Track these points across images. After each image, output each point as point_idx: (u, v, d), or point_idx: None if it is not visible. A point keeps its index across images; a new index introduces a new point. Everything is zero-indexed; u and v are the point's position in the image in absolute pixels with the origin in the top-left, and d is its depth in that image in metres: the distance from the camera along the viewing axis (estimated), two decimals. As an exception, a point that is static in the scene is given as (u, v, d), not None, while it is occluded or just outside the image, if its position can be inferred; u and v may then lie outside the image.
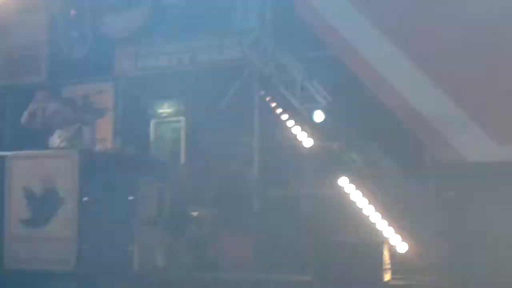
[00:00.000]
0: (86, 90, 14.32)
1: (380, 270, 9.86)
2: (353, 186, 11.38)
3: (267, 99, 12.71)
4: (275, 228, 11.63)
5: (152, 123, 13.42)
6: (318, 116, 11.91)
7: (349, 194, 11.36)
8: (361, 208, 11.21)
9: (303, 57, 12.74)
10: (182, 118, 13.20)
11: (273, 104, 12.62)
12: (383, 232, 10.94)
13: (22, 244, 11.03)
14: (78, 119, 12.34)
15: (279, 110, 12.55)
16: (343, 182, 11.46)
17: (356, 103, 12.02)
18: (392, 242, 10.74)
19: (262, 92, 12.89)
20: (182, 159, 13.00)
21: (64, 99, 13.42)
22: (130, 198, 11.25)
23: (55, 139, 12.06)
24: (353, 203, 11.28)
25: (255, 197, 12.42)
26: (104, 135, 13.04)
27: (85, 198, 10.89)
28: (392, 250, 10.40)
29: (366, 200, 11.24)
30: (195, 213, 11.64)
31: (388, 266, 10.02)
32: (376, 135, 11.85)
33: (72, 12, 14.79)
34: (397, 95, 11.88)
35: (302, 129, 12.17)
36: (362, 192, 11.31)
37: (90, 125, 12.53)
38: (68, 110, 12.48)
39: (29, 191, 11.21)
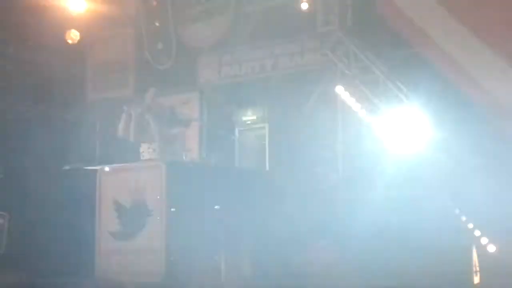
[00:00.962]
0: (172, 101, 14.58)
1: (469, 273, 9.64)
2: (439, 186, 11.14)
3: (351, 101, 12.57)
4: (362, 232, 11.48)
5: (237, 131, 13.48)
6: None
7: (435, 195, 11.12)
8: (448, 209, 10.96)
9: (386, 57, 12.58)
10: (266, 125, 13.22)
11: (357, 106, 12.49)
12: (471, 234, 10.66)
13: (113, 257, 11.22)
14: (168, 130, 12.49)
15: (362, 112, 12.42)
16: (429, 182, 11.22)
17: (440, 100, 11.79)
18: (480, 243, 10.46)
19: (346, 95, 12.76)
20: (267, 166, 13.01)
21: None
22: (216, 207, 11.30)
23: (146, 151, 12.20)
24: (439, 204, 11.04)
25: (341, 201, 12.31)
26: (190, 145, 13.16)
27: (173, 209, 10.99)
28: (480, 252, 10.14)
29: (452, 200, 10.98)
30: (281, 221, 11.60)
31: (477, 269, 9.78)
32: (461, 132, 11.58)
33: (156, 24, 15.05)
34: (483, 91, 11.59)
35: (386, 130, 12.00)
36: (448, 192, 11.05)
37: (178, 135, 12.68)
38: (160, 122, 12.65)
39: (118, 204, 11.38)
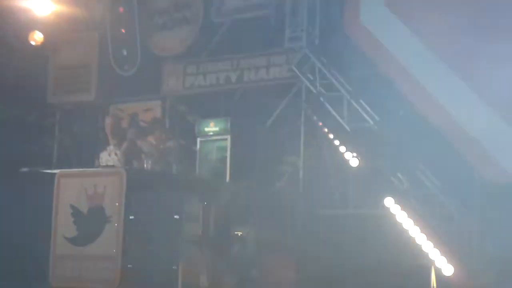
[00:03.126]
0: (134, 107, 14.55)
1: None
2: (398, 207, 11.22)
3: (314, 118, 12.64)
4: (319, 248, 11.52)
5: (199, 141, 13.42)
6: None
7: (394, 214, 11.20)
8: (407, 229, 11.05)
9: (351, 76, 12.66)
10: (228, 137, 13.18)
11: (320, 123, 12.55)
12: (429, 254, 10.75)
13: (68, 262, 11.07)
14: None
15: (325, 129, 12.48)
16: (389, 202, 11.31)
17: (403, 122, 11.90)
18: (437, 264, 10.55)
19: (309, 111, 12.83)
20: (227, 177, 12.98)
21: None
22: (176, 217, 11.23)
23: (105, 157, 12.12)
24: (398, 224, 11.12)
25: (299, 216, 12.34)
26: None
27: (131, 217, 10.88)
28: (437, 272, 10.22)
29: (411, 221, 11.07)
30: (239, 233, 11.59)
31: (435, 288, 9.86)
32: (423, 155, 11.70)
33: (122, 30, 14.97)
34: (445, 115, 11.72)
35: (348, 149, 12.08)
36: (408, 213, 11.14)
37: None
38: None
39: (75, 208, 11.25)
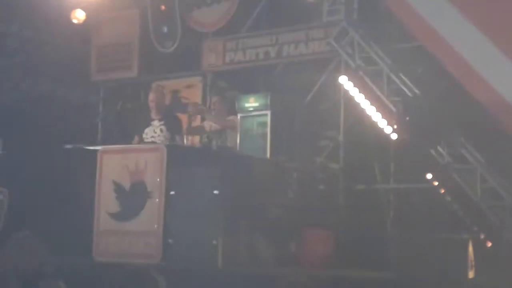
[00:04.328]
0: (175, 84, 14.67)
1: (465, 267, 9.66)
2: (439, 181, 11.19)
3: (353, 92, 12.59)
4: (359, 223, 11.54)
5: (239, 117, 13.45)
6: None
7: (435, 189, 11.17)
8: (448, 203, 11.02)
9: (390, 49, 12.59)
10: (268, 112, 13.18)
11: (359, 97, 12.51)
12: (468, 228, 10.72)
13: (110, 237, 11.25)
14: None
15: (365, 103, 12.44)
16: (429, 176, 11.27)
17: (444, 95, 11.82)
18: (477, 238, 10.51)
19: (349, 85, 12.78)
20: (268, 153, 13.01)
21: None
22: (215, 192, 11.30)
23: (151, 133, 12.23)
24: (439, 198, 11.09)
25: (339, 192, 12.37)
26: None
27: (172, 192, 11.00)
28: (477, 246, 10.17)
29: (452, 195, 11.04)
30: (279, 208, 11.63)
31: (472, 263, 9.81)
32: (464, 128, 11.62)
33: (162, 8, 15.06)
34: (487, 87, 11.61)
35: (389, 123, 12.04)
36: (448, 187, 11.11)
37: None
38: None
39: (118, 185, 11.38)
